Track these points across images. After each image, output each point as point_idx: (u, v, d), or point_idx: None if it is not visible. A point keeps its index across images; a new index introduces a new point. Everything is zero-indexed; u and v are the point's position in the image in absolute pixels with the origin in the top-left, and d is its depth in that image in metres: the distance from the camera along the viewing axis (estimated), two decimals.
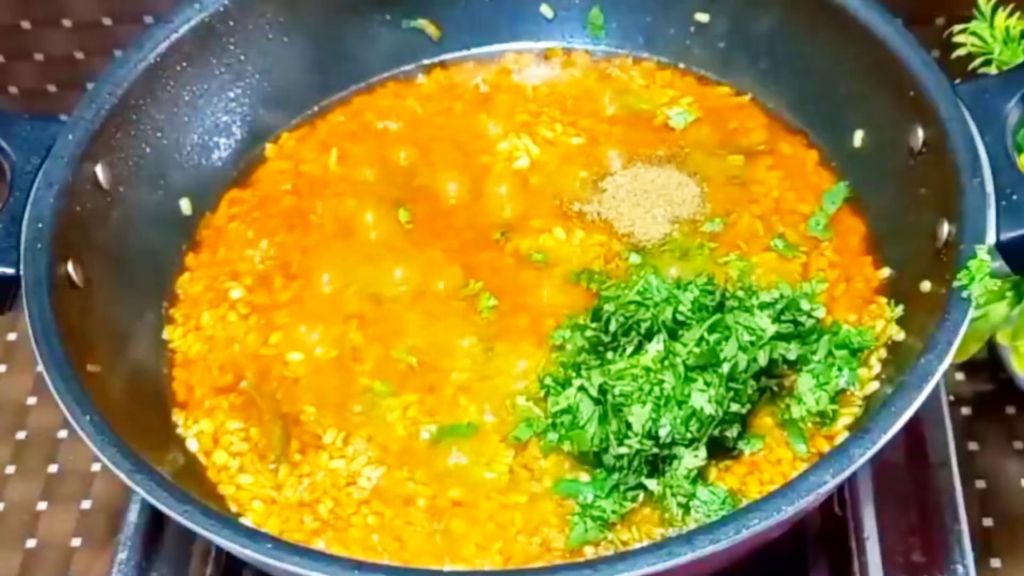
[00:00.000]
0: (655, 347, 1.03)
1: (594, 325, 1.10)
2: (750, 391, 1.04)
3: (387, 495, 1.07)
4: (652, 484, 1.02)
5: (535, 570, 0.98)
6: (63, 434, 1.44)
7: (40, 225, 1.08)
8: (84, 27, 1.57)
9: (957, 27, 1.28)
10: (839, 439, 1.06)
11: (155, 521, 1.15)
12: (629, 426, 1.00)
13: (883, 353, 1.10)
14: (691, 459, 1.02)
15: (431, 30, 1.37)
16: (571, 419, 1.05)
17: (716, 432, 1.03)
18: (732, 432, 1.04)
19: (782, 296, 1.08)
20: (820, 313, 1.10)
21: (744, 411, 1.04)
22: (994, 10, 1.25)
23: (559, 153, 1.29)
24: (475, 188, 1.27)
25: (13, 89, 1.65)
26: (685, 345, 1.03)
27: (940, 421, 1.19)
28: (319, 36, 1.32)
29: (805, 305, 1.09)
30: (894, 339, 1.10)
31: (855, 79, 1.20)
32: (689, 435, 1.01)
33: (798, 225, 1.21)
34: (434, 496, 1.06)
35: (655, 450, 1.01)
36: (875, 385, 1.08)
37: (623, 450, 1.01)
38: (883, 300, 1.14)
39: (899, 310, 1.12)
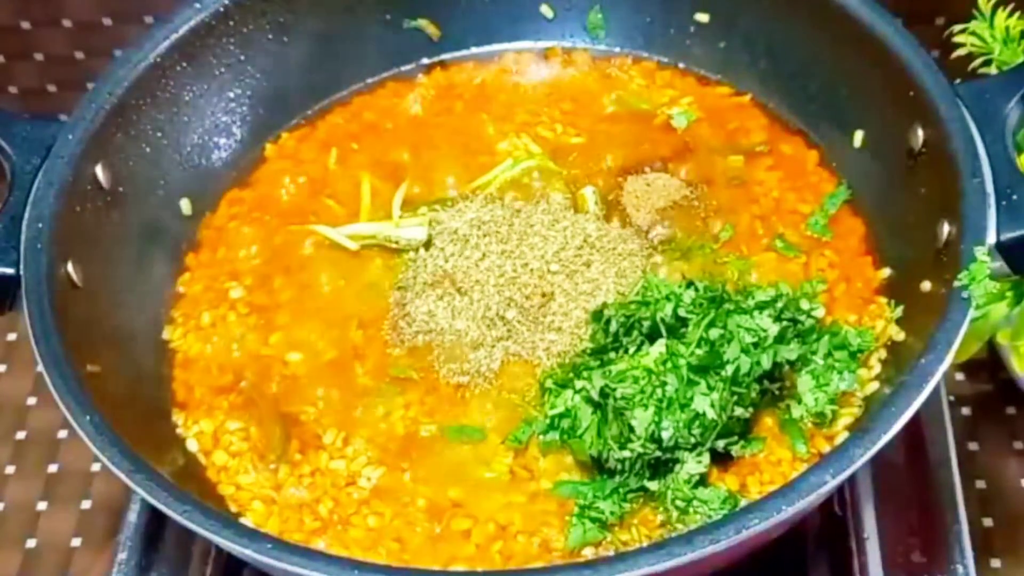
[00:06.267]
0: (657, 348, 1.03)
1: (594, 325, 1.10)
2: (753, 395, 1.04)
3: (387, 495, 1.06)
4: (653, 486, 1.02)
5: (535, 570, 0.98)
6: (63, 434, 1.44)
7: (40, 225, 1.08)
8: (84, 27, 1.57)
9: (957, 27, 1.28)
10: (839, 439, 1.06)
11: (155, 521, 1.15)
12: (632, 429, 1.00)
13: (883, 353, 1.10)
14: (694, 465, 1.01)
15: (431, 30, 1.37)
16: (570, 423, 1.05)
17: (721, 446, 1.03)
18: (736, 447, 1.04)
19: (781, 295, 1.08)
20: (820, 313, 1.10)
21: (747, 415, 1.04)
22: (994, 10, 1.25)
23: (559, 153, 1.29)
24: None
25: (13, 89, 1.65)
26: (687, 346, 1.03)
27: (940, 421, 1.19)
28: (319, 36, 1.32)
29: (805, 305, 1.09)
30: (894, 339, 1.10)
31: (855, 79, 1.20)
32: (692, 439, 1.01)
33: (798, 225, 1.21)
34: (434, 496, 1.06)
35: (657, 453, 1.01)
36: (875, 385, 1.08)
37: (625, 454, 1.01)
38: (883, 300, 1.14)
39: (899, 310, 1.12)
